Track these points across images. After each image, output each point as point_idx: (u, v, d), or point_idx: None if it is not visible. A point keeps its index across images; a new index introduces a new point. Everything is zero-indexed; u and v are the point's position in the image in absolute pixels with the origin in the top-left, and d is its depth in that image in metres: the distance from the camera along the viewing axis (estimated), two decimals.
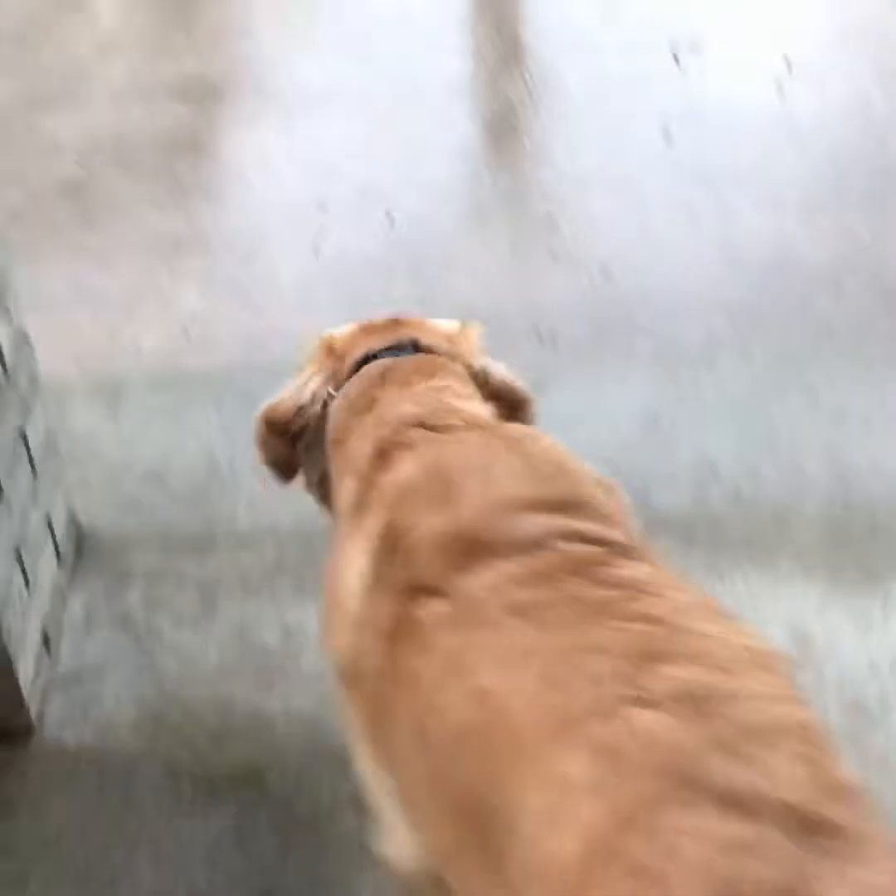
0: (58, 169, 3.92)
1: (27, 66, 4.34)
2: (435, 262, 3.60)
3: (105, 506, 2.74)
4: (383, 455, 1.74)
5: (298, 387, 2.02)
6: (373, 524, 1.64)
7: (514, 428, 1.85)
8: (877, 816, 1.20)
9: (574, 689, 1.31)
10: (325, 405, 1.98)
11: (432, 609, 1.49)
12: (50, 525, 2.48)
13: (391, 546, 1.59)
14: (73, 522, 2.64)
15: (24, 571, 2.30)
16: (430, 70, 4.36)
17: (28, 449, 2.36)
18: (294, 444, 2.03)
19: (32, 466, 2.39)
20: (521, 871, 1.25)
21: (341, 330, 2.09)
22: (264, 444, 2.06)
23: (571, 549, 1.49)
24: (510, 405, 2.02)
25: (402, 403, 1.84)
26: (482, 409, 1.89)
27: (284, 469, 2.08)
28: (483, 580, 1.48)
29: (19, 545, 2.29)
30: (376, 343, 2.00)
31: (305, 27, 4.64)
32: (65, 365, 3.11)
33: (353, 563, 1.64)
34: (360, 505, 1.71)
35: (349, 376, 1.98)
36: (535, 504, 1.57)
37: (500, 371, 2.05)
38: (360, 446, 1.80)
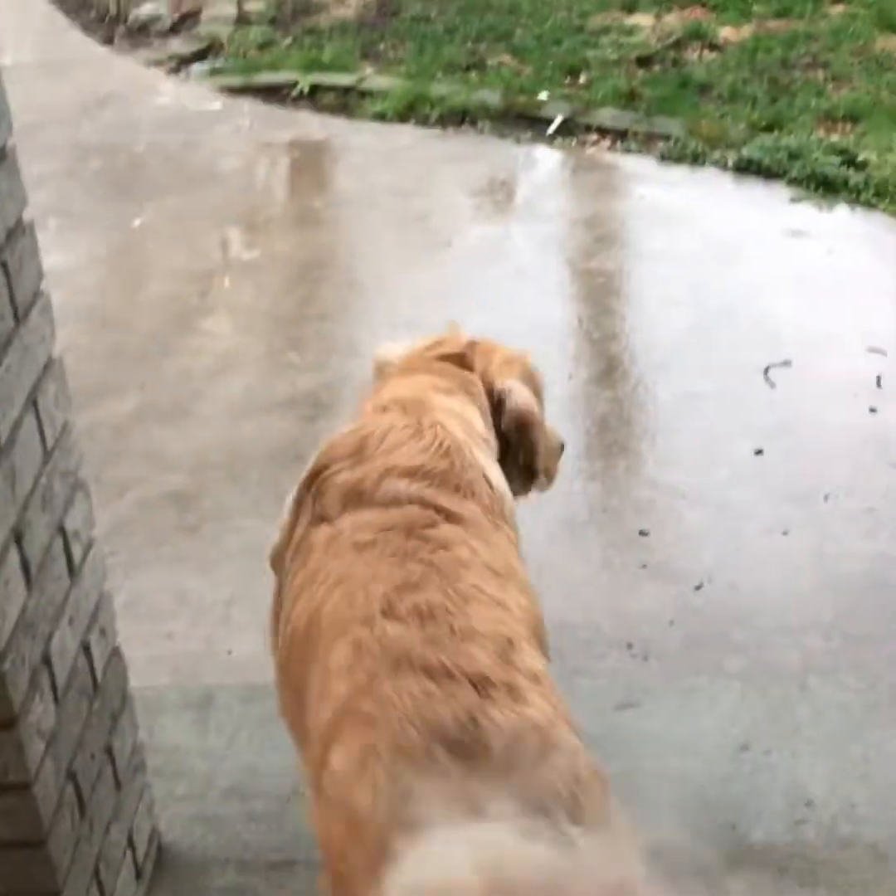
0: (168, 480, 4.09)
1: (146, 381, 4.58)
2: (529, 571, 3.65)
3: (187, 821, 2.74)
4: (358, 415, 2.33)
5: None
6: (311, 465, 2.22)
7: (446, 422, 2.27)
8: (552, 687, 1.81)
9: (356, 604, 1.88)
10: None
11: (320, 533, 2.07)
12: (131, 841, 2.48)
13: (316, 485, 2.16)
14: (155, 838, 2.64)
15: (101, 889, 2.30)
16: None
17: (114, 765, 2.39)
18: None
19: (117, 780, 2.41)
20: (309, 735, 1.85)
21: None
22: None
23: (412, 511, 2.06)
24: (518, 427, 2.45)
25: (400, 388, 2.38)
26: (452, 407, 2.33)
27: None
28: (352, 520, 2.05)
29: (99, 861, 2.29)
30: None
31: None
32: (158, 675, 3.17)
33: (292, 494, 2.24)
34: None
35: None
36: (412, 473, 2.13)
37: (516, 398, 2.45)
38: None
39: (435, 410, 2.30)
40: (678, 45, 7.28)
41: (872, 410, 4.28)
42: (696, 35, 7.36)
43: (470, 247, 5.40)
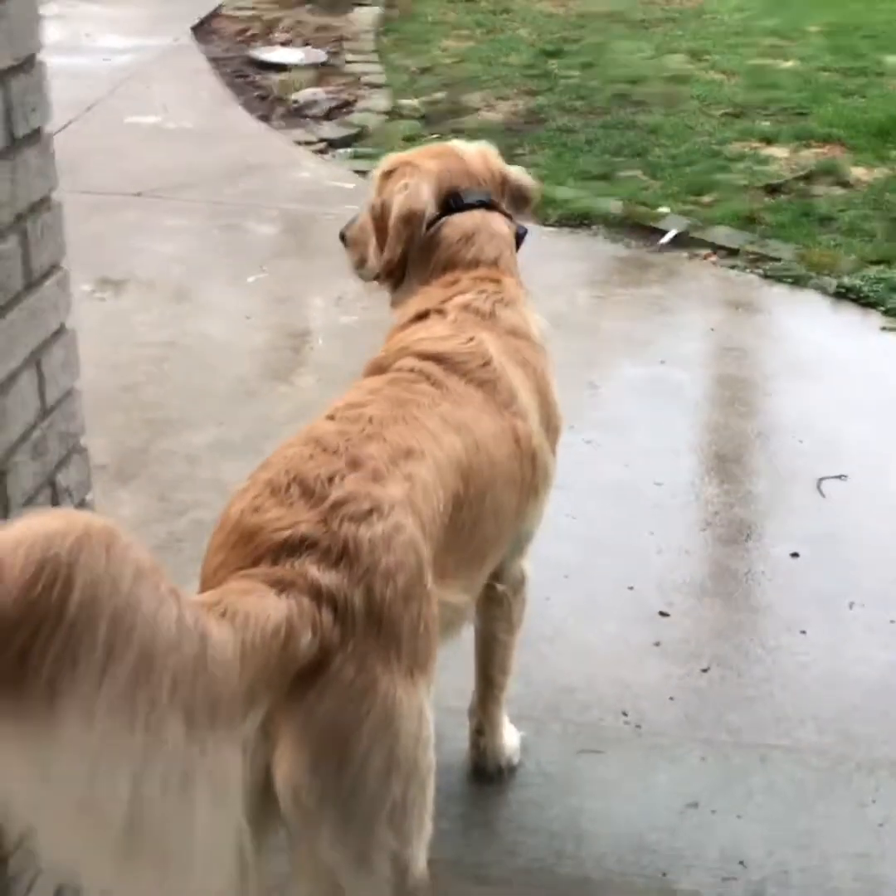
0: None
1: (225, 419, 4.85)
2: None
3: None
4: (428, 314, 2.83)
5: (412, 191, 2.96)
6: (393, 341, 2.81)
7: (487, 337, 2.76)
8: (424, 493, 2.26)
9: (324, 413, 2.44)
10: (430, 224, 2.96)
11: (372, 378, 2.64)
12: None
13: (388, 349, 2.74)
14: None
15: None
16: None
17: None
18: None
19: None
20: None
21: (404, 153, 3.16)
22: (399, 237, 2.94)
23: (409, 375, 2.58)
24: (518, 200, 3.15)
25: (462, 299, 2.84)
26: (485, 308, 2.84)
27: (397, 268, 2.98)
28: (382, 378, 2.60)
29: None
30: (457, 180, 3.01)
31: None
32: None
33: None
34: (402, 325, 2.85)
35: (442, 209, 2.96)
36: (427, 357, 2.63)
37: (517, 175, 3.17)
38: (432, 296, 2.88)
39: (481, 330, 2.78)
40: (808, 178, 7.42)
41: None
42: (828, 171, 7.50)
43: (568, 330, 5.59)
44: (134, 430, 4.78)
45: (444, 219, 2.95)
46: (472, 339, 2.73)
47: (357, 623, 1.96)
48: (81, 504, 2.54)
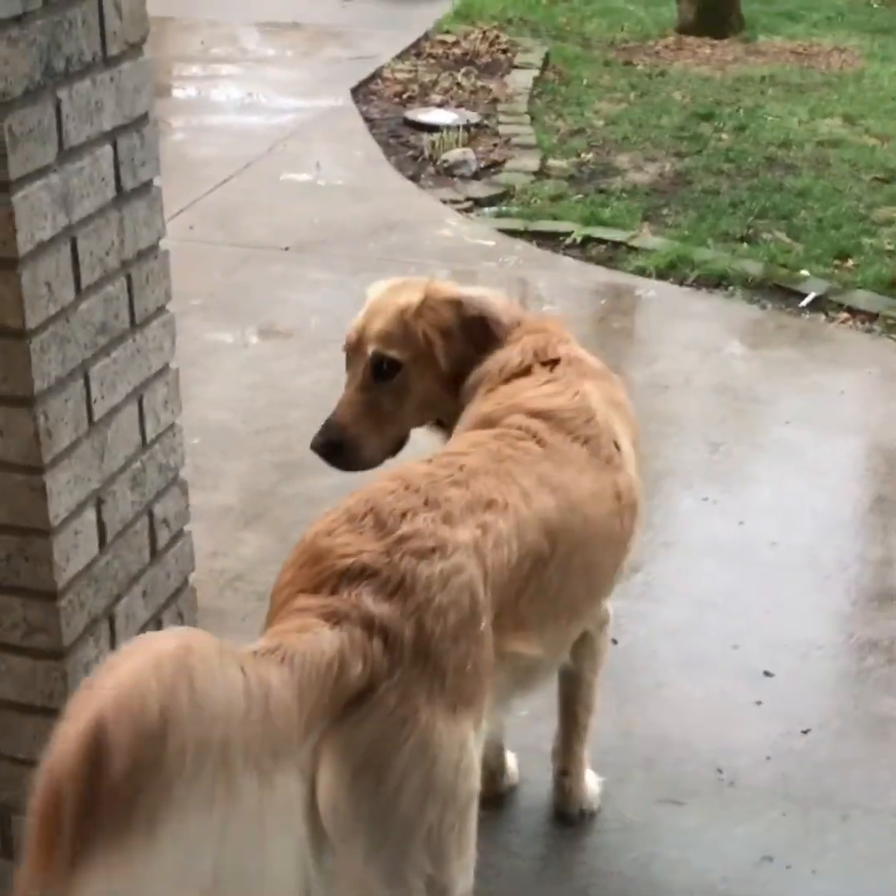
0: None
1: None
2: None
3: None
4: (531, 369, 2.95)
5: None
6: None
7: (591, 392, 2.87)
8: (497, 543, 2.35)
9: (439, 465, 2.49)
10: None
11: (479, 431, 2.72)
12: None
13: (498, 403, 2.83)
14: None
15: None
16: None
17: None
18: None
19: None
20: None
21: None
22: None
23: (516, 432, 2.66)
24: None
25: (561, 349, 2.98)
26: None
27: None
28: (489, 432, 2.68)
29: None
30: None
31: None
32: None
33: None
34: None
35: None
36: (535, 415, 2.71)
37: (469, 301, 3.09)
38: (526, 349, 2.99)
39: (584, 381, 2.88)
40: None
41: None
42: None
43: (696, 389, 5.65)
44: (262, 473, 4.96)
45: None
46: (576, 393, 2.81)
47: (405, 655, 2.06)
48: (178, 535, 2.69)
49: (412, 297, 3.06)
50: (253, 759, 1.83)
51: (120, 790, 1.67)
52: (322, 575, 2.14)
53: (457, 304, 3.04)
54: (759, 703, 3.79)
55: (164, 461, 2.59)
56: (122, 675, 1.73)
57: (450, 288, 3.13)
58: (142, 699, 1.70)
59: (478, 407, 2.87)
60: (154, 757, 1.71)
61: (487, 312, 3.02)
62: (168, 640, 1.82)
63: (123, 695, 1.70)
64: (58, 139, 2.21)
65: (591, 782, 3.26)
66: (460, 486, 2.38)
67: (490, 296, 3.16)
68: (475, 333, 3.00)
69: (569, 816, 3.22)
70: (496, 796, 3.20)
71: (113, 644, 2.48)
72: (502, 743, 3.26)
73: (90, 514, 2.34)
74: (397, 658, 2.05)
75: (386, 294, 3.18)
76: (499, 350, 2.98)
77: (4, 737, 2.47)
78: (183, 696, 1.73)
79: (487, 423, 2.75)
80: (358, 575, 2.12)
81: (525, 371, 2.93)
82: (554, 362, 2.91)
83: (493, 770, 3.16)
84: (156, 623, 2.62)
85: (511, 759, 3.35)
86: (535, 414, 2.72)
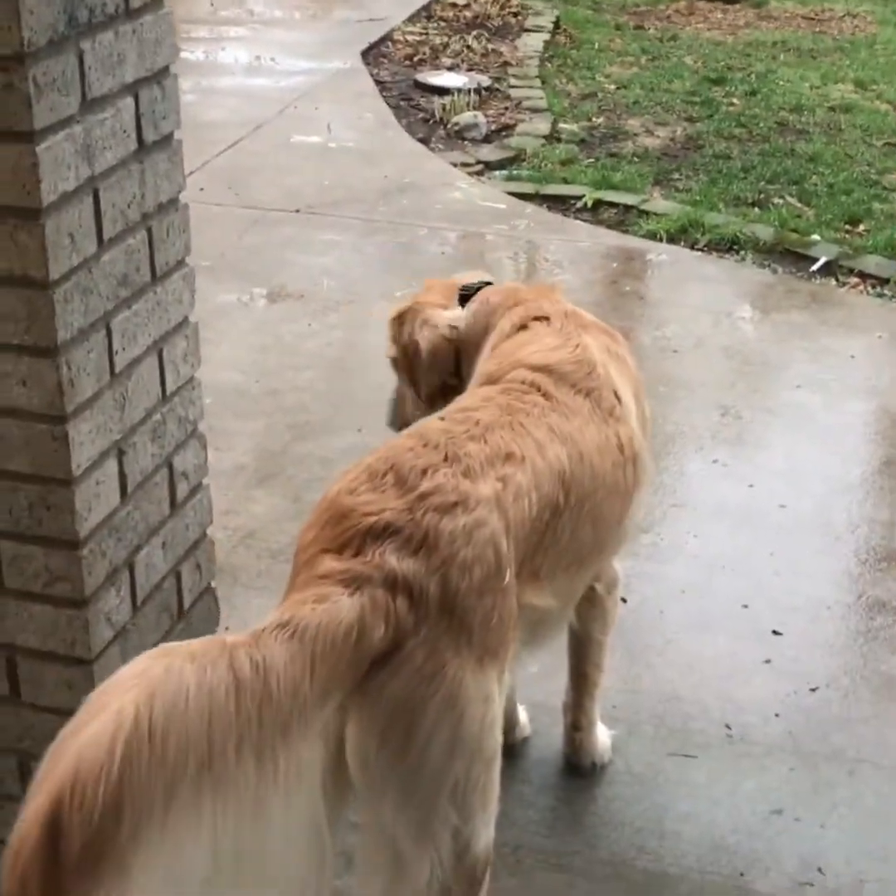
0: None
1: (364, 425, 5.00)
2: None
3: None
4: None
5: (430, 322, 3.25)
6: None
7: (590, 343, 2.91)
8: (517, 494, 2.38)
9: (454, 421, 2.51)
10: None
11: (486, 387, 2.73)
12: None
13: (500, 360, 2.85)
14: None
15: None
16: None
17: None
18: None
19: None
20: None
21: None
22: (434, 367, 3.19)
23: (520, 386, 2.67)
24: None
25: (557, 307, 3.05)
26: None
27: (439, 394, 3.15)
28: (496, 387, 2.69)
29: None
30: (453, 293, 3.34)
31: None
32: None
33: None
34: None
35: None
36: (542, 368, 2.74)
37: None
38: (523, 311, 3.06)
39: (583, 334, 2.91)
40: None
41: None
42: None
43: (706, 352, 5.66)
44: (275, 434, 4.98)
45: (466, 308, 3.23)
46: (577, 346, 2.85)
47: (431, 611, 2.08)
48: (197, 487, 2.71)
49: (409, 302, 3.34)
50: (250, 746, 1.85)
51: (82, 862, 1.71)
52: (346, 534, 2.15)
53: (413, 322, 3.27)
54: (767, 661, 3.82)
55: (183, 414, 2.61)
56: (83, 743, 1.75)
57: (436, 300, 3.30)
58: (99, 771, 1.72)
59: (483, 366, 2.92)
60: (113, 825, 1.73)
61: (420, 345, 3.19)
62: (130, 684, 1.83)
63: (83, 769, 1.73)
64: (81, 90, 2.23)
65: (603, 735, 3.30)
66: (478, 441, 2.40)
67: (465, 309, 3.25)
68: (409, 354, 3.25)
69: (580, 768, 3.26)
70: (509, 747, 3.24)
71: (133, 594, 2.52)
72: (514, 696, 3.30)
73: (112, 465, 2.37)
74: (423, 615, 2.07)
75: (424, 291, 3.42)
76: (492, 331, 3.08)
77: (26, 684, 2.50)
78: (144, 754, 1.75)
79: (492, 379, 2.79)
80: (381, 533, 2.13)
81: (521, 328, 2.98)
82: (545, 318, 2.96)
83: (506, 722, 3.20)
84: (175, 575, 2.66)
85: (522, 713, 3.39)
86: (538, 368, 2.75)
